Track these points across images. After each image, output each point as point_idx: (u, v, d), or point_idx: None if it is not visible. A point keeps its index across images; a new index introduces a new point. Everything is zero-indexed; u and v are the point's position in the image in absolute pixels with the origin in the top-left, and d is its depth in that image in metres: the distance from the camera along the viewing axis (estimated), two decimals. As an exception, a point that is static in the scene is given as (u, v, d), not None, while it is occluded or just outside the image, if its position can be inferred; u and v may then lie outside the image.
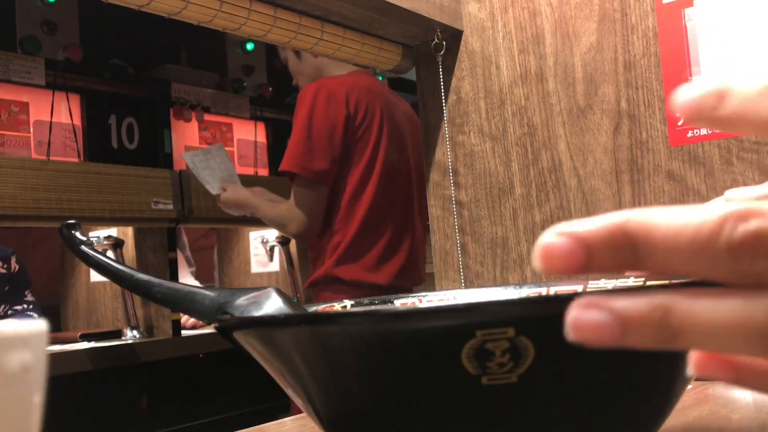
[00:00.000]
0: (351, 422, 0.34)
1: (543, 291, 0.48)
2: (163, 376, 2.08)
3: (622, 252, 0.22)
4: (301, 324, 0.32)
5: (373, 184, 1.71)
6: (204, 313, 0.41)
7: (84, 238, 0.47)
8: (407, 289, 1.73)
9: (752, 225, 0.21)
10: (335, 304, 0.49)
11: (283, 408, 2.11)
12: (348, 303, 0.49)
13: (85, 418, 1.84)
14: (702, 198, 0.73)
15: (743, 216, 0.21)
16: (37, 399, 0.22)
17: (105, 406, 1.93)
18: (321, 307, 0.49)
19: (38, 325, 0.23)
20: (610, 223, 0.23)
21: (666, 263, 0.22)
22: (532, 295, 0.47)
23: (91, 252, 0.46)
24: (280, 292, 0.42)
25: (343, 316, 0.32)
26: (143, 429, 1.97)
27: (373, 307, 0.49)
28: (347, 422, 0.34)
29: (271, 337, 0.33)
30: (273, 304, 0.41)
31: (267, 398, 2.27)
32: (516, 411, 0.30)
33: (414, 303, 0.50)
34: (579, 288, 0.46)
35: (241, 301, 0.41)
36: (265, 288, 0.41)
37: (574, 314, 0.22)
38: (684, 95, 0.28)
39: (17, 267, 1.80)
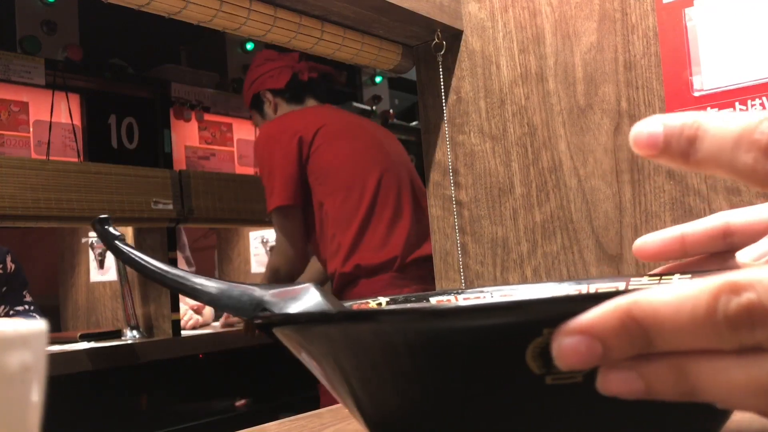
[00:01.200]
0: (402, 423, 0.33)
1: (583, 288, 0.46)
2: (162, 377, 2.08)
3: (635, 338, 0.24)
4: (359, 321, 0.31)
5: (351, 181, 1.73)
6: (242, 310, 0.40)
7: (117, 233, 0.46)
8: (426, 260, 1.73)
9: (744, 299, 0.22)
10: (369, 300, 0.48)
11: (283, 408, 2.11)
12: (383, 300, 0.48)
13: (84, 418, 1.84)
14: (702, 198, 0.73)
15: (735, 289, 0.22)
16: (36, 399, 0.22)
17: (105, 406, 1.93)
18: (356, 304, 0.47)
19: (38, 325, 0.22)
20: (618, 311, 0.24)
21: (675, 342, 0.24)
22: (572, 292, 0.46)
23: (124, 247, 0.45)
24: (318, 288, 0.41)
25: (401, 313, 0.31)
26: (143, 429, 1.97)
27: (423, 304, 0.47)
28: (398, 423, 0.33)
29: (318, 335, 0.32)
30: (311, 300, 0.40)
31: (267, 398, 2.27)
32: (580, 412, 0.29)
33: (450, 300, 0.48)
34: (621, 285, 0.45)
35: (280, 296, 0.40)
36: (303, 284, 0.40)
37: (605, 379, 0.24)
38: (648, 129, 0.28)
39: (13, 266, 1.79)
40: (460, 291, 0.50)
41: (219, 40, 3.13)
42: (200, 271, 2.65)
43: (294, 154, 1.70)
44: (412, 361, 0.30)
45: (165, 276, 0.42)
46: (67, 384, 1.78)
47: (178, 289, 0.42)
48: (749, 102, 0.71)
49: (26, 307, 1.80)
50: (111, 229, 0.46)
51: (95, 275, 2.22)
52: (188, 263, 2.55)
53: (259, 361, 2.36)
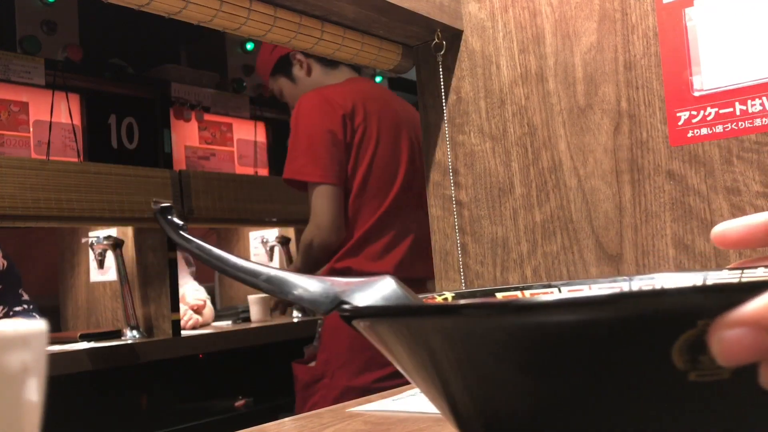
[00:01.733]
0: (514, 425, 0.31)
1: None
2: (162, 377, 2.08)
3: None
4: (485, 313, 0.28)
5: (376, 183, 1.72)
6: (317, 302, 0.38)
7: (181, 223, 0.44)
8: (420, 282, 1.72)
9: None
10: (434, 295, 0.46)
11: (282, 408, 2.11)
12: (448, 295, 0.46)
13: (84, 418, 1.84)
14: (702, 198, 0.73)
15: None
16: (36, 399, 0.22)
17: (105, 406, 1.93)
18: (426, 298, 0.46)
19: (38, 325, 0.22)
20: None
21: None
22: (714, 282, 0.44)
23: (191, 237, 0.43)
24: (397, 281, 0.39)
25: (534, 305, 0.28)
26: (143, 429, 1.97)
27: (551, 295, 0.44)
28: (508, 425, 0.31)
29: (415, 329, 0.30)
30: (390, 291, 0.38)
31: (266, 398, 2.27)
32: (724, 411, 0.27)
33: (516, 296, 0.46)
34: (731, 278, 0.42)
35: (357, 287, 0.38)
36: (382, 275, 0.39)
37: None
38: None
39: (5, 263, 1.79)
40: (528, 287, 0.47)
41: (219, 40, 3.13)
42: (200, 271, 2.65)
43: (340, 133, 1.67)
44: (537, 357, 0.28)
45: (237, 268, 0.40)
46: (67, 384, 1.78)
47: (249, 282, 0.40)
48: (749, 102, 0.71)
49: (25, 306, 1.80)
50: (176, 219, 0.44)
51: (95, 275, 2.22)
52: (188, 263, 2.55)
53: (259, 361, 2.36)
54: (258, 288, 0.40)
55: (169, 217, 0.44)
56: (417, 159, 1.81)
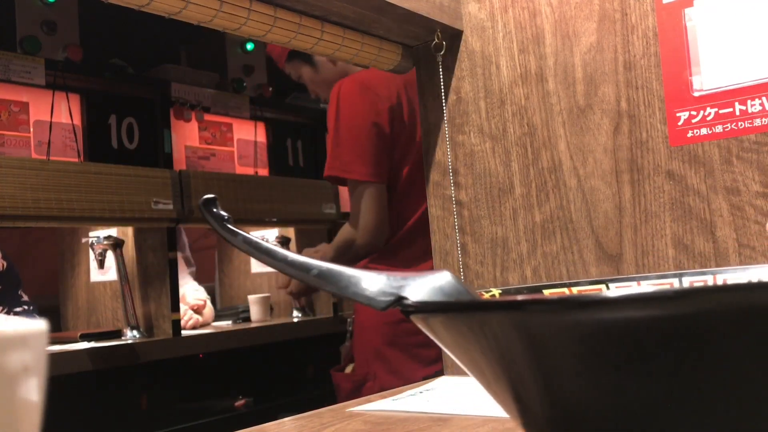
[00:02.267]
0: (592, 423, 0.29)
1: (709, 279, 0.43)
2: (163, 377, 2.08)
3: None
4: (572, 307, 0.27)
5: (420, 183, 1.56)
6: (375, 299, 0.37)
7: (226, 215, 0.42)
8: None
9: None
10: (482, 292, 0.45)
11: (283, 408, 2.11)
12: (495, 292, 0.45)
13: (84, 418, 1.84)
14: (702, 198, 0.73)
15: None
16: (36, 399, 0.22)
17: (105, 406, 1.93)
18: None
19: (38, 325, 0.22)
20: None
21: None
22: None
23: (238, 230, 0.41)
24: (453, 275, 0.38)
25: (629, 298, 0.26)
26: (143, 429, 1.97)
27: (638, 288, 0.43)
28: (584, 423, 0.30)
29: (487, 324, 0.29)
30: (452, 288, 0.37)
31: (266, 398, 2.27)
32: None
33: (564, 293, 0.45)
34: None
35: (418, 284, 0.37)
36: (440, 270, 0.38)
37: None
38: None
39: (5, 264, 1.79)
40: (576, 283, 0.46)
41: (219, 40, 3.13)
42: (200, 271, 2.65)
43: (387, 126, 1.53)
44: (623, 353, 0.27)
45: (286, 261, 0.39)
46: (67, 384, 1.78)
47: (299, 276, 0.38)
48: (749, 102, 0.71)
49: (25, 307, 1.79)
50: (219, 211, 0.42)
51: (95, 275, 2.22)
52: (188, 263, 2.55)
53: (259, 361, 2.36)
54: (308, 283, 0.39)
55: (214, 209, 0.42)
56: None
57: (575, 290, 0.45)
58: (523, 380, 0.30)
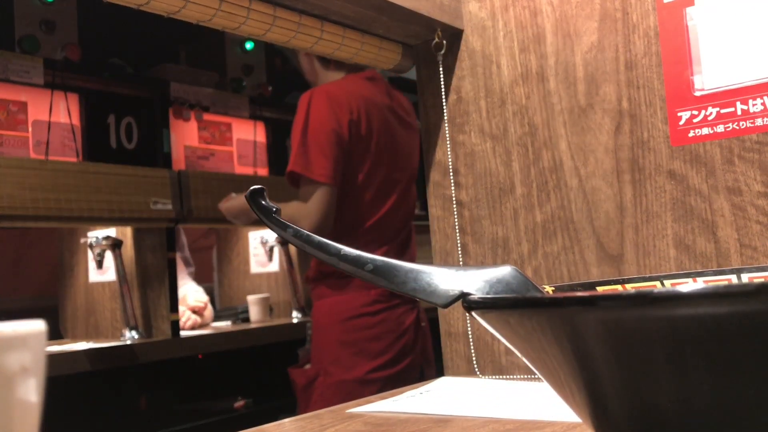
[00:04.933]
0: (668, 425, 0.28)
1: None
2: (162, 377, 2.08)
3: None
4: (666, 302, 0.25)
5: (376, 189, 1.72)
6: (436, 294, 0.35)
7: (274, 207, 0.41)
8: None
9: None
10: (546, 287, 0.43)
11: (282, 408, 2.11)
12: (548, 288, 0.43)
13: (83, 419, 1.83)
14: (703, 198, 0.73)
15: None
16: (35, 399, 0.22)
17: (104, 406, 1.93)
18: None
19: (37, 325, 0.22)
20: None
21: None
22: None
23: (287, 222, 0.40)
24: (517, 269, 0.37)
25: (710, 294, 0.24)
26: (142, 430, 1.96)
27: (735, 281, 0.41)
28: (662, 425, 0.29)
29: (563, 321, 0.28)
30: (518, 283, 0.35)
31: (266, 399, 2.27)
32: None
33: (617, 289, 0.43)
34: None
35: (480, 278, 0.35)
36: (502, 265, 0.36)
37: None
38: None
39: None
40: (624, 280, 0.44)
41: (218, 40, 3.13)
42: (199, 272, 2.65)
43: (345, 135, 1.67)
44: (718, 350, 0.25)
45: (339, 256, 0.37)
46: (66, 384, 1.77)
47: (351, 270, 0.37)
48: (750, 101, 0.71)
49: None
50: (267, 203, 0.40)
51: (94, 275, 2.21)
52: (187, 263, 2.55)
53: (259, 362, 2.36)
54: (362, 278, 0.37)
55: (262, 201, 0.41)
56: (411, 185, 1.81)
57: (629, 287, 0.44)
58: (601, 378, 0.29)
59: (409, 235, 1.84)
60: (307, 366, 1.75)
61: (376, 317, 1.68)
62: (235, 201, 1.89)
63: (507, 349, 0.84)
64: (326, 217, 1.66)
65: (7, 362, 0.21)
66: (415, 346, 1.72)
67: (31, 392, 0.22)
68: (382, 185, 1.74)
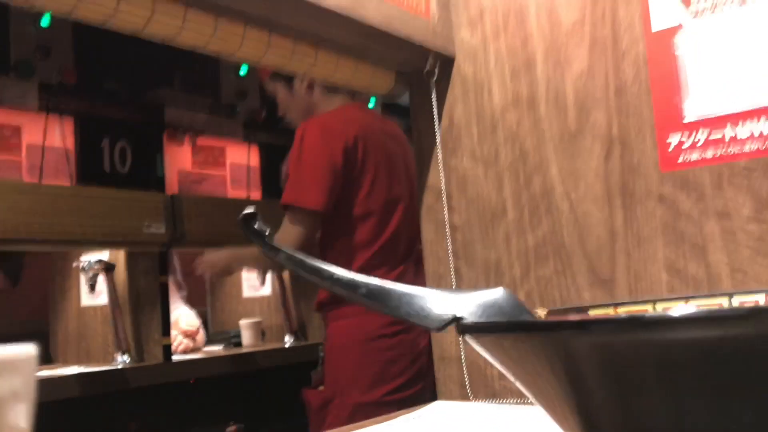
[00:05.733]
0: None
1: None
2: (153, 402, 2.06)
3: None
4: (666, 325, 0.25)
5: (381, 207, 1.72)
6: (429, 318, 0.35)
7: (267, 230, 0.40)
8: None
9: None
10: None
11: (274, 434, 2.09)
12: (541, 312, 0.43)
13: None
14: (693, 222, 0.73)
15: None
16: (25, 425, 0.22)
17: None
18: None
19: (27, 349, 0.22)
20: None
21: None
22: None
23: (280, 247, 0.40)
24: (509, 292, 0.37)
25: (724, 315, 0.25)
26: (132, 456, 1.94)
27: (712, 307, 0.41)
28: None
29: (560, 346, 0.28)
30: (513, 308, 0.35)
31: (259, 425, 2.25)
32: None
33: (608, 313, 0.43)
34: None
35: (472, 302, 0.35)
36: (495, 289, 0.36)
37: None
38: None
39: None
40: (615, 303, 0.44)
41: (213, 65, 3.15)
42: (192, 296, 2.63)
43: (340, 163, 1.69)
44: (718, 374, 0.25)
45: (333, 279, 0.37)
46: (56, 410, 1.76)
47: (344, 293, 0.37)
48: (739, 128, 0.71)
49: None
50: (260, 227, 0.40)
51: (86, 299, 2.20)
52: (179, 287, 2.54)
53: (251, 387, 2.34)
54: (356, 302, 0.37)
55: (254, 225, 0.40)
56: (411, 197, 1.82)
57: (621, 310, 0.44)
58: (594, 401, 0.29)
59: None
60: (321, 388, 1.73)
61: (394, 339, 1.67)
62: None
63: (500, 373, 0.84)
64: (309, 241, 1.69)
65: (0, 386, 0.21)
66: (429, 370, 1.71)
67: (21, 418, 0.22)
68: (386, 204, 1.74)
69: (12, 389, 0.21)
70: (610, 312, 0.44)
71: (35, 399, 0.23)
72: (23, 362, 0.22)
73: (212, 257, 1.97)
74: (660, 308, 0.44)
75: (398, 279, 1.70)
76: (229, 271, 1.97)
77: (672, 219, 0.75)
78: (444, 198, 0.90)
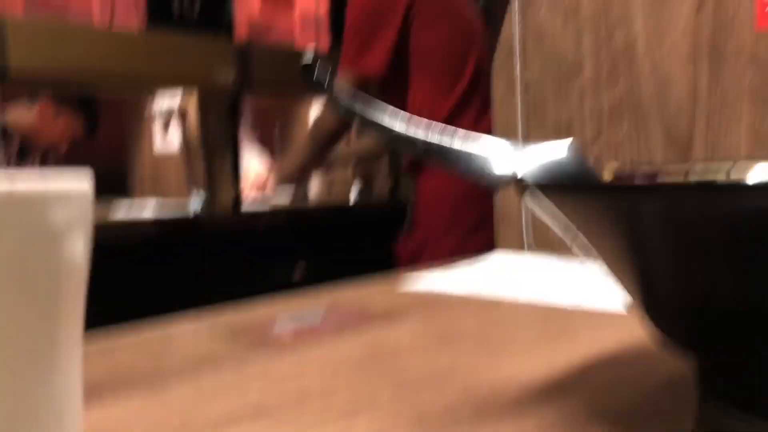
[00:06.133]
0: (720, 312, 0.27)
1: None
2: (223, 249, 2.15)
3: None
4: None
5: (446, 68, 1.63)
6: (489, 175, 0.34)
7: (329, 79, 0.39)
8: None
9: None
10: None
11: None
12: (610, 169, 0.41)
13: (142, 285, 1.92)
14: (786, 86, 0.68)
15: None
16: (81, 261, 0.22)
17: (164, 275, 2.01)
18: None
19: (81, 181, 0.22)
20: None
21: None
22: None
23: (342, 95, 0.39)
24: (576, 149, 0.35)
25: None
26: (202, 296, 2.05)
27: None
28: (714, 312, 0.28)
29: (624, 210, 0.27)
30: (578, 167, 0.34)
31: (324, 263, 2.33)
32: None
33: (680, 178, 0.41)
34: None
35: (535, 158, 0.34)
36: (560, 141, 0.34)
37: None
38: None
39: None
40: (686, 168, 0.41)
41: None
42: (263, 143, 2.67)
43: (399, 22, 1.59)
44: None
45: (392, 132, 0.36)
46: (128, 253, 1.85)
47: (408, 152, 0.37)
48: None
49: None
50: (321, 74, 0.38)
51: (159, 146, 2.26)
52: (249, 137, 2.57)
53: (318, 237, 2.41)
54: (417, 156, 0.37)
55: (316, 72, 0.38)
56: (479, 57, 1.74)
57: (694, 170, 0.42)
58: (656, 267, 0.28)
59: None
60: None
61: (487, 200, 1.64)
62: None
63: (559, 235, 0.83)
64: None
65: (51, 219, 0.21)
66: None
67: (78, 252, 0.22)
68: (461, 52, 1.66)
69: (67, 222, 0.21)
70: (681, 176, 0.42)
71: (91, 235, 0.23)
72: (78, 195, 0.22)
73: (281, 171, 1.95)
74: (738, 170, 0.41)
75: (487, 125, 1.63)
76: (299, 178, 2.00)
77: (762, 82, 0.69)
78: (517, 53, 0.86)
